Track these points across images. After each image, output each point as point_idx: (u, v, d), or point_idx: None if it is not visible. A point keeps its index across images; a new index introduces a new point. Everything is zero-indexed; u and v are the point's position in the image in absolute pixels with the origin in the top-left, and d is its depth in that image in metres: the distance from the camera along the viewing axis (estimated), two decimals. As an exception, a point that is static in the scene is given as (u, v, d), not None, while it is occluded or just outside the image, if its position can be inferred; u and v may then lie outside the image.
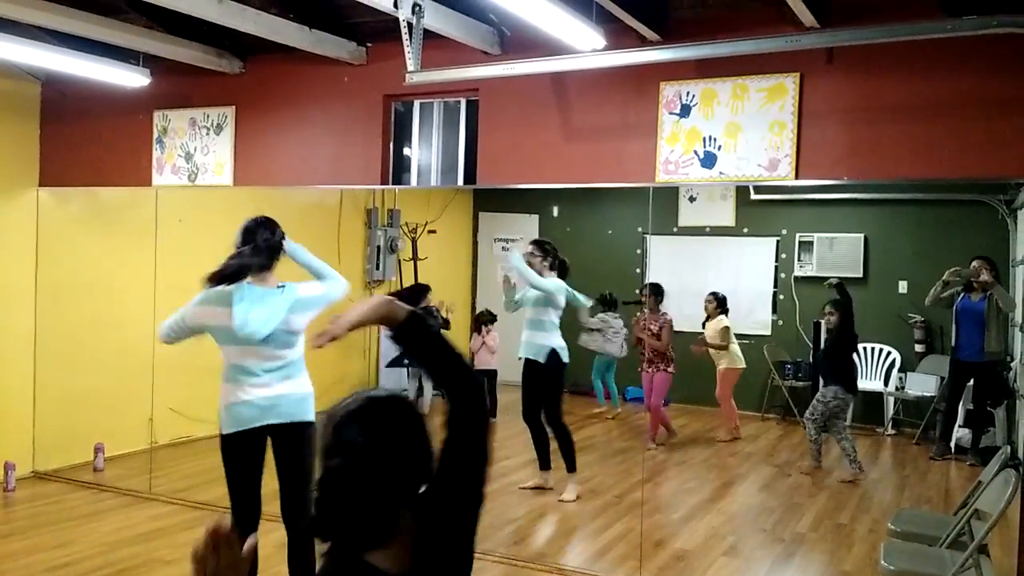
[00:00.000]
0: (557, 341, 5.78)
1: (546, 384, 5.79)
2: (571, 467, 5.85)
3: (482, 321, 7.94)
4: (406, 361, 8.05)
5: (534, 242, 5.99)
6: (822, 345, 6.83)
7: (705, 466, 7.10)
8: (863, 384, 8.15)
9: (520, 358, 5.84)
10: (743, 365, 7.80)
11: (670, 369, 7.32)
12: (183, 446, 6.84)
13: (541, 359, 5.73)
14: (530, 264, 5.76)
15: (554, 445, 5.88)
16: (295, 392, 3.70)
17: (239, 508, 3.73)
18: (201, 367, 6.85)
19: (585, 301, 6.51)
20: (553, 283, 5.80)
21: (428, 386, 8.27)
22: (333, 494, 1.44)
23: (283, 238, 3.74)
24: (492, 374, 8.02)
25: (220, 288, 3.55)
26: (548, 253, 5.86)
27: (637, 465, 6.76)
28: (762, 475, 6.77)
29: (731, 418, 7.79)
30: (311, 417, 3.74)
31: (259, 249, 3.61)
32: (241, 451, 3.69)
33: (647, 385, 7.37)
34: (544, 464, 5.96)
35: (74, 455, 6.29)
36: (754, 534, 5.39)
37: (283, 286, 3.69)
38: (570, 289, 6.00)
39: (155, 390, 6.15)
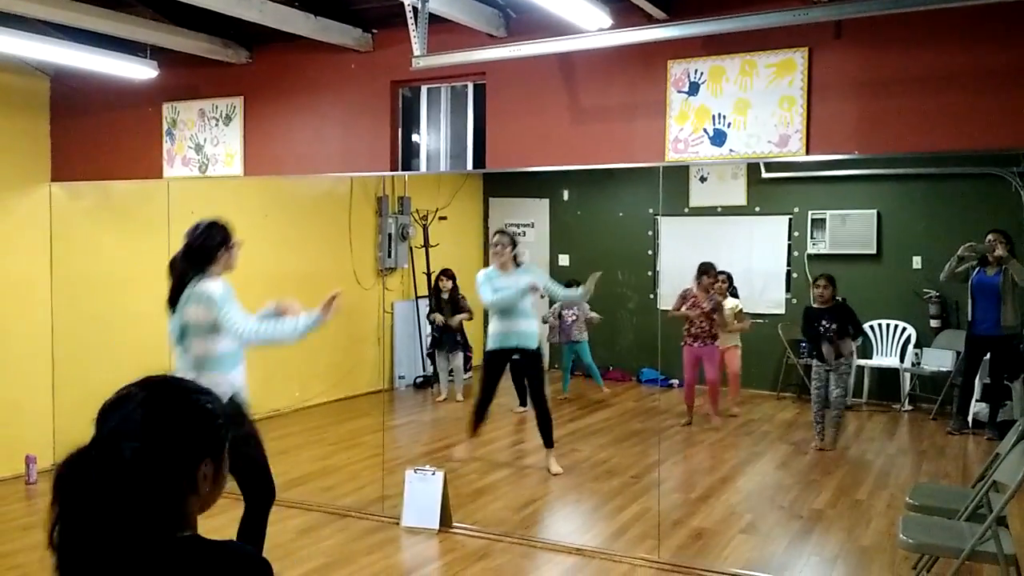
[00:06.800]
0: None
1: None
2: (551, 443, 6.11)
3: None
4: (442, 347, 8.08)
5: (503, 232, 6.14)
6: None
7: (721, 445, 7.10)
8: (880, 360, 8.14)
9: (526, 348, 5.97)
10: None
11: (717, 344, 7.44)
12: (201, 436, 6.88)
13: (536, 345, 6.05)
14: (499, 253, 5.98)
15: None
16: None
17: None
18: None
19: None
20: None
21: (459, 372, 8.31)
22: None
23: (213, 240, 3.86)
24: None
25: None
26: (516, 243, 6.09)
27: (653, 446, 6.77)
28: (778, 453, 6.77)
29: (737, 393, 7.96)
30: None
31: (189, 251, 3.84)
32: None
33: (691, 359, 7.37)
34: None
35: (94, 447, 6.34)
36: (772, 511, 5.39)
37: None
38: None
39: (172, 381, 6.19)
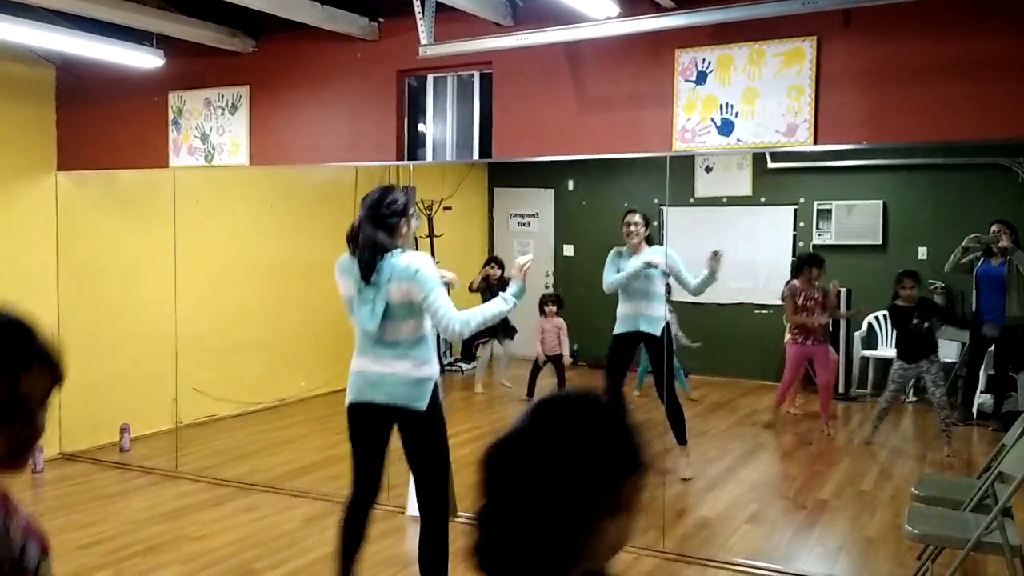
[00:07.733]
0: None
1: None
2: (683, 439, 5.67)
3: (547, 303, 7.76)
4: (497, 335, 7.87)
5: (635, 211, 5.66)
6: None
7: (726, 436, 7.10)
8: (884, 351, 8.14)
9: (650, 334, 5.49)
10: None
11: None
12: (207, 425, 6.92)
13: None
14: (634, 234, 5.56)
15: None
16: (405, 375, 3.41)
17: (353, 481, 3.64)
18: (221, 348, 6.96)
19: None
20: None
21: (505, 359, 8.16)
22: (491, 535, 1.20)
23: (400, 206, 3.40)
24: (559, 359, 7.78)
25: (346, 256, 3.49)
26: (649, 223, 5.65)
27: (657, 436, 6.77)
28: (784, 443, 6.77)
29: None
30: (421, 405, 3.44)
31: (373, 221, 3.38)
32: (354, 423, 3.59)
33: (799, 358, 6.93)
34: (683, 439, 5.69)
35: (101, 436, 6.37)
36: (777, 502, 5.40)
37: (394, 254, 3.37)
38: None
39: (178, 370, 6.21)
